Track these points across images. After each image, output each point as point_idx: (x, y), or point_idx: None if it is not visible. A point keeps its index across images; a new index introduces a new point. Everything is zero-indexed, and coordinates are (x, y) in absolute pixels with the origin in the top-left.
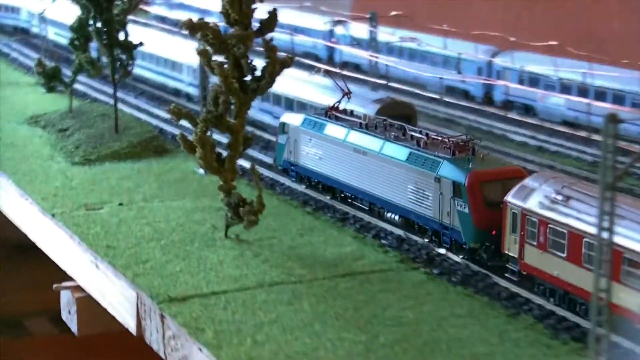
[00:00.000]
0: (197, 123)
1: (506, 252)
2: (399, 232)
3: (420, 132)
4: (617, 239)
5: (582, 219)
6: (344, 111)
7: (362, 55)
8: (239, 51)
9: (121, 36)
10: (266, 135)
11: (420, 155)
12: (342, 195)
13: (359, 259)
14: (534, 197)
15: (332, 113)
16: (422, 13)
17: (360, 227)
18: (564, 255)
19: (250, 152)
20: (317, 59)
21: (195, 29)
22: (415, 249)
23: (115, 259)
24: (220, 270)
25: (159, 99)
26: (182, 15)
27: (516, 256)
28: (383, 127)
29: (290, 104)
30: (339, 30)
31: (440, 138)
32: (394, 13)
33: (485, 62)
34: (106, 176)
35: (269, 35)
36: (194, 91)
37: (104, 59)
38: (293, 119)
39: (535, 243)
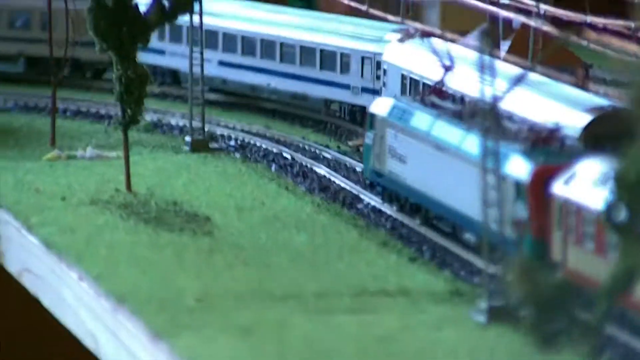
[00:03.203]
0: None
1: (555, 259)
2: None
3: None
4: None
5: None
6: (451, 96)
7: None
8: None
9: None
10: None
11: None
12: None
13: None
14: (580, 180)
15: (428, 97)
16: None
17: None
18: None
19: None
20: None
21: None
22: None
23: None
24: None
25: None
26: None
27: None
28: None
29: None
30: None
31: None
32: None
33: None
34: None
35: None
36: None
37: None
38: (384, 107)
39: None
